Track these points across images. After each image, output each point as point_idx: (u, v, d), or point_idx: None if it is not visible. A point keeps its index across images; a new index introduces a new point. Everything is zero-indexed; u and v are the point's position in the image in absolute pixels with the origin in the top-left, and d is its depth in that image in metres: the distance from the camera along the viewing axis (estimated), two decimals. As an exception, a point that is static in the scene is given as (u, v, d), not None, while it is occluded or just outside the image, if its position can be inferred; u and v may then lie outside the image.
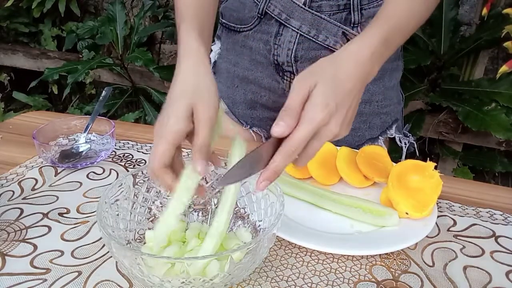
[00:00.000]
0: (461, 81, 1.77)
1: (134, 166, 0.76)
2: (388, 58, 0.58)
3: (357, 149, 0.73)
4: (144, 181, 0.56)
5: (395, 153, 0.86)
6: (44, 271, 0.51)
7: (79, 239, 0.57)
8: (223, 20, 0.90)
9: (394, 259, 0.56)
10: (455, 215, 0.65)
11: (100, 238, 0.57)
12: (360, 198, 0.63)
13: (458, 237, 0.60)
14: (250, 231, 0.55)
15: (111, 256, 0.54)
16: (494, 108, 1.55)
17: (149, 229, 0.55)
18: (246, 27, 0.85)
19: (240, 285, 0.50)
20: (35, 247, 0.55)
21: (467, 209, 0.67)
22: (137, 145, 0.83)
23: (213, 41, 0.96)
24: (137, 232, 0.54)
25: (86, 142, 0.78)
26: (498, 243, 0.59)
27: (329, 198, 0.64)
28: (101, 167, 0.75)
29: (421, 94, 1.74)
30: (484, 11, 1.49)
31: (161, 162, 0.49)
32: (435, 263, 0.55)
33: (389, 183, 0.62)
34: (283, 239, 0.57)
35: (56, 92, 2.51)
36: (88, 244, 0.56)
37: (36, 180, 0.70)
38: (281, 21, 0.80)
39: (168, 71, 1.98)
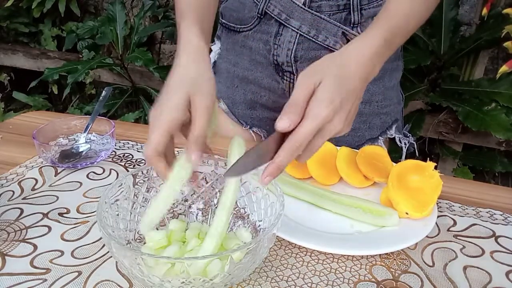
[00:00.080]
0: (461, 81, 1.77)
1: (134, 166, 0.76)
2: (388, 58, 0.59)
3: (357, 149, 0.73)
4: (144, 181, 0.56)
5: (395, 153, 0.86)
6: (44, 271, 0.51)
7: (79, 239, 0.57)
8: (223, 20, 0.90)
9: (394, 259, 0.56)
10: (455, 215, 0.65)
11: (100, 238, 0.57)
12: (360, 198, 0.63)
13: (458, 237, 0.60)
14: (250, 231, 0.55)
15: (111, 256, 0.54)
16: (494, 108, 1.55)
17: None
18: (246, 27, 0.85)
19: (240, 285, 0.50)
20: (35, 247, 0.55)
21: (467, 209, 0.67)
22: (137, 145, 0.83)
23: (213, 41, 0.96)
24: (137, 232, 0.54)
25: (86, 142, 0.78)
26: (498, 243, 0.59)
27: (329, 198, 0.64)
28: (101, 167, 0.75)
29: (421, 94, 1.74)
30: (484, 11, 1.49)
31: (155, 149, 0.49)
32: (435, 263, 0.55)
33: (389, 183, 0.62)
34: (283, 239, 0.57)
35: (56, 92, 2.51)
36: (88, 244, 0.56)
37: (36, 180, 0.70)
38: (281, 21, 0.80)
39: (168, 71, 1.96)
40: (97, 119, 0.81)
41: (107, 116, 1.62)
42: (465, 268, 0.54)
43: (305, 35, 0.79)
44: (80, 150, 0.76)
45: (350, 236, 0.58)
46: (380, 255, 0.56)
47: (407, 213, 0.60)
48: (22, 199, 0.65)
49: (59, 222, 0.60)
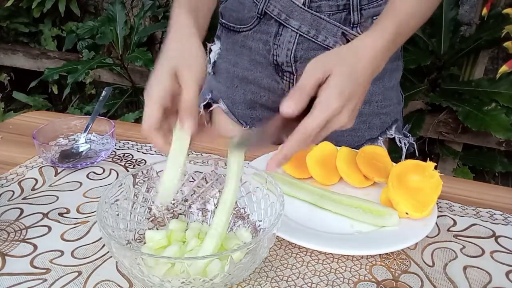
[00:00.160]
0: (461, 81, 1.77)
1: (134, 166, 0.76)
2: (388, 58, 0.59)
3: (357, 149, 0.73)
4: (144, 181, 0.56)
5: (395, 153, 0.86)
6: (44, 271, 0.51)
7: (79, 239, 0.57)
8: (223, 20, 0.90)
9: (394, 259, 0.56)
10: (455, 215, 0.65)
11: (100, 238, 0.57)
12: (360, 198, 0.63)
13: (458, 237, 0.60)
14: (250, 231, 0.55)
15: (111, 256, 0.54)
16: (494, 108, 1.55)
17: (149, 229, 0.55)
18: (246, 27, 0.85)
19: (240, 285, 0.50)
20: (35, 247, 0.55)
21: (467, 209, 0.67)
22: (137, 145, 0.83)
23: (213, 41, 0.96)
24: (137, 232, 0.54)
25: (86, 142, 0.78)
26: (498, 243, 0.59)
27: (329, 198, 0.64)
28: (101, 167, 0.75)
29: (421, 94, 1.74)
30: (484, 11, 1.49)
31: (149, 122, 0.49)
32: (435, 263, 0.55)
33: (389, 183, 0.62)
34: (283, 239, 0.57)
35: (56, 92, 2.51)
36: (88, 244, 0.56)
37: (36, 180, 0.70)
38: (280, 21, 0.80)
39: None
40: (97, 119, 0.81)
41: (107, 116, 1.62)
42: (465, 268, 0.54)
43: (305, 35, 0.79)
44: (80, 150, 0.76)
45: (350, 236, 0.58)
46: (380, 255, 0.56)
47: (407, 213, 0.60)
48: (22, 199, 0.65)
49: (59, 222, 0.60)
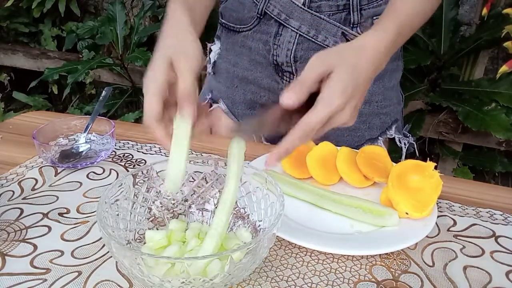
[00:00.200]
0: (461, 81, 1.77)
1: (134, 166, 0.76)
2: (389, 59, 0.59)
3: (356, 149, 0.73)
4: (144, 181, 0.56)
5: (395, 153, 0.86)
6: (44, 271, 0.51)
7: (79, 239, 0.57)
8: (223, 20, 0.90)
9: (394, 259, 0.56)
10: (455, 215, 0.65)
11: (100, 238, 0.57)
12: (360, 198, 0.63)
13: (458, 237, 0.60)
14: (250, 231, 0.55)
15: (111, 256, 0.54)
16: (494, 108, 1.55)
17: (149, 229, 0.55)
18: (246, 27, 0.85)
19: (240, 285, 0.50)
20: (35, 247, 0.55)
21: (467, 209, 0.67)
22: (137, 145, 0.83)
23: (213, 41, 0.96)
24: (137, 232, 0.54)
25: (86, 142, 0.78)
26: (498, 243, 0.59)
27: (329, 198, 0.64)
28: (101, 167, 0.75)
29: (421, 94, 1.74)
30: (484, 11, 1.49)
31: (150, 114, 0.49)
32: (435, 263, 0.55)
33: (389, 183, 0.62)
34: (283, 239, 0.57)
35: (56, 92, 2.51)
36: (88, 244, 0.56)
37: (36, 180, 0.70)
38: (280, 21, 0.80)
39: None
40: (97, 119, 0.81)
41: (107, 116, 1.62)
42: (465, 268, 0.54)
43: (305, 35, 0.79)
44: (80, 150, 0.76)
45: (350, 236, 0.58)
46: (380, 255, 0.56)
47: (407, 213, 0.60)
48: (22, 199, 0.65)
49: (59, 222, 0.60)
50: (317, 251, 0.56)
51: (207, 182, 0.59)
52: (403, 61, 0.92)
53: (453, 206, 0.68)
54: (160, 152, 0.80)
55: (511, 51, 1.45)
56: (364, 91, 0.53)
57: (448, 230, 0.62)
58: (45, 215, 0.61)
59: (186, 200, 0.59)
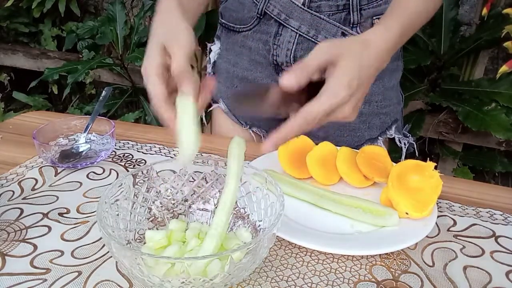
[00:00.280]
0: (461, 81, 1.77)
1: (134, 166, 0.76)
2: (390, 58, 0.59)
3: (356, 149, 0.73)
4: (144, 181, 0.56)
5: (395, 153, 0.86)
6: (44, 271, 0.51)
7: (79, 239, 0.57)
8: (223, 20, 0.90)
9: (394, 259, 0.56)
10: (455, 215, 0.65)
11: (100, 238, 0.57)
12: (360, 198, 0.63)
13: (458, 237, 0.60)
14: (250, 231, 0.55)
15: (111, 256, 0.54)
16: (494, 108, 1.55)
17: (149, 229, 0.55)
18: (246, 27, 0.85)
19: (240, 285, 0.50)
20: (35, 247, 0.55)
21: (467, 209, 0.67)
22: (137, 145, 0.83)
23: (213, 41, 0.96)
24: (137, 232, 0.54)
25: (86, 142, 0.78)
26: (498, 243, 0.59)
27: (329, 198, 0.64)
28: (101, 167, 0.75)
29: (421, 94, 1.74)
30: (484, 11, 1.49)
31: (156, 96, 0.50)
32: (435, 263, 0.55)
33: (389, 183, 0.62)
34: (283, 239, 0.57)
35: (56, 92, 2.50)
36: (88, 244, 0.56)
37: (36, 180, 0.70)
38: (280, 21, 0.80)
39: (168, 71, 1.98)
40: (97, 119, 0.81)
41: (107, 116, 1.61)
42: (465, 268, 0.54)
43: (305, 35, 0.79)
44: (80, 150, 0.76)
45: (350, 236, 0.58)
46: (380, 255, 0.56)
47: (407, 213, 0.60)
48: (22, 199, 0.65)
49: (59, 222, 0.60)
50: (317, 251, 0.56)
51: (207, 182, 0.59)
52: (403, 61, 0.92)
53: (453, 206, 0.68)
54: (160, 152, 0.80)
55: (511, 51, 1.45)
56: (367, 87, 0.53)
57: (448, 230, 0.62)
58: (45, 215, 0.61)
59: (186, 200, 0.59)
